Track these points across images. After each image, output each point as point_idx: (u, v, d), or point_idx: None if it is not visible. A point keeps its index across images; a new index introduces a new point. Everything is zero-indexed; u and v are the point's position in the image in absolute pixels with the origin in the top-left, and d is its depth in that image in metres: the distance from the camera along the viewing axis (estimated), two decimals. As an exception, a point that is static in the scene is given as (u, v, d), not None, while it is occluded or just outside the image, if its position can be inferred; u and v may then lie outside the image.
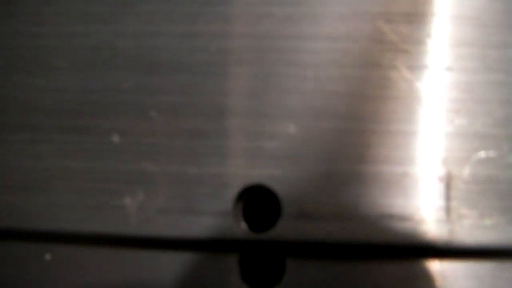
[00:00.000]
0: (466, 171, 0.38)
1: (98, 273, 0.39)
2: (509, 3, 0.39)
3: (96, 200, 0.39)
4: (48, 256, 0.39)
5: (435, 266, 0.38)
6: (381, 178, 0.38)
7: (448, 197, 0.38)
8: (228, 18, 0.39)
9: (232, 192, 0.38)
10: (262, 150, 0.38)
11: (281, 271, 0.38)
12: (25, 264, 0.39)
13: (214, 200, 0.38)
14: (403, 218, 0.37)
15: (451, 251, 0.37)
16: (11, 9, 0.41)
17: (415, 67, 0.39)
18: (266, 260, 0.40)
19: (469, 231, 0.37)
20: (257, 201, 0.39)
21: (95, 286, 0.39)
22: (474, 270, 0.38)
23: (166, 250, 0.38)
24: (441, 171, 0.38)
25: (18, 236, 0.39)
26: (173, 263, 0.38)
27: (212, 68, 0.39)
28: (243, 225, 0.39)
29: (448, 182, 0.38)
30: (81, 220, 0.39)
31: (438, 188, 0.38)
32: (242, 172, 0.38)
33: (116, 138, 0.39)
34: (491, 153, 0.38)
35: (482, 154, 0.38)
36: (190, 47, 0.39)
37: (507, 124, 0.38)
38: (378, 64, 0.39)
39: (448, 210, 0.38)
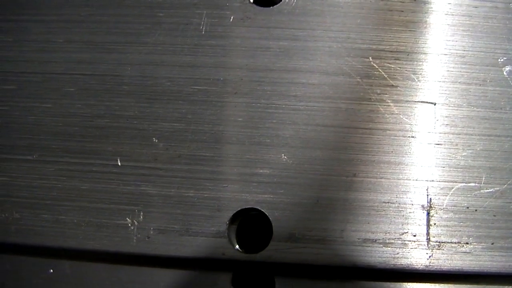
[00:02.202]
0: (446, 201, 0.40)
1: (98, 288, 0.41)
2: (491, 42, 0.41)
3: (98, 219, 0.41)
4: (51, 271, 0.41)
5: (415, 289, 0.40)
6: (366, 205, 0.40)
7: (428, 225, 0.40)
8: (227, 51, 0.42)
9: (227, 215, 0.41)
10: (256, 176, 0.41)
11: (271, 290, 0.41)
12: (30, 278, 0.41)
13: (210, 222, 0.41)
14: (386, 243, 0.40)
15: (430, 275, 0.40)
16: (22, 37, 0.43)
17: (402, 101, 0.41)
18: (257, 279, 0.42)
19: (448, 256, 0.40)
20: (250, 224, 0.42)
21: (96, 299, 0.41)
22: (451, 293, 0.40)
23: (163, 268, 0.41)
24: (423, 200, 0.40)
25: (24, 251, 0.42)
26: (170, 281, 0.41)
27: (210, 98, 0.41)
28: (236, 246, 0.41)
29: (429, 210, 0.40)
30: (84, 237, 0.41)
31: (419, 216, 0.40)
32: (236, 196, 0.41)
33: (119, 162, 0.41)
34: (471, 184, 0.41)
35: (462, 184, 0.41)
36: (190, 77, 0.42)
37: (487, 157, 0.41)
38: (366, 98, 0.41)
39: (428, 236, 0.40)
